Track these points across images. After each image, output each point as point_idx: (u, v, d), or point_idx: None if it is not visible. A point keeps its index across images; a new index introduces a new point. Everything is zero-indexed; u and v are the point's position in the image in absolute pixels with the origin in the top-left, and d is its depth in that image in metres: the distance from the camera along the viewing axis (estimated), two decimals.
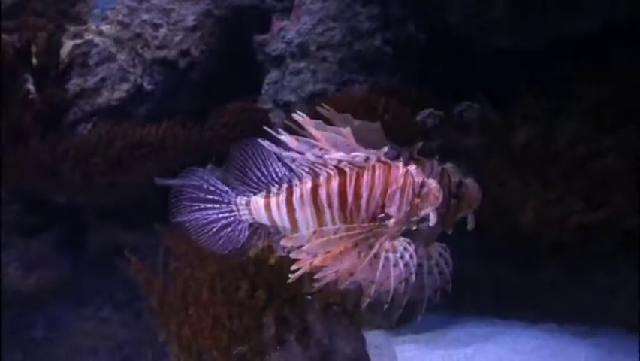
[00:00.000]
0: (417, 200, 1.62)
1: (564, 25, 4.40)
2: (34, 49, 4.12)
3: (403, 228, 1.64)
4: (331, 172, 1.62)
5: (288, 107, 4.62)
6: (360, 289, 1.61)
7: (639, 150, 3.86)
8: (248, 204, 1.74)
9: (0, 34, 4.19)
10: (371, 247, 1.58)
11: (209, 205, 1.77)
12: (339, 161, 1.58)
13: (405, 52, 4.78)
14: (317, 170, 1.62)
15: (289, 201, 1.64)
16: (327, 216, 1.61)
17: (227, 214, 1.77)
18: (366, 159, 1.59)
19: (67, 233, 4.32)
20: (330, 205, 1.61)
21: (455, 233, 4.17)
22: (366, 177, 1.59)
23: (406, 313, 3.97)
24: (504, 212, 4.06)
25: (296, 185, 1.65)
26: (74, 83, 4.51)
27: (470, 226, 1.68)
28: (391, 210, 1.61)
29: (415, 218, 1.64)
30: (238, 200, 1.76)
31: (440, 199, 1.63)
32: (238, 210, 1.76)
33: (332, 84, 4.69)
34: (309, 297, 2.74)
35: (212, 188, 1.79)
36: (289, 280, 1.61)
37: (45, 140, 4.02)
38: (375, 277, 1.57)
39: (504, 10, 4.49)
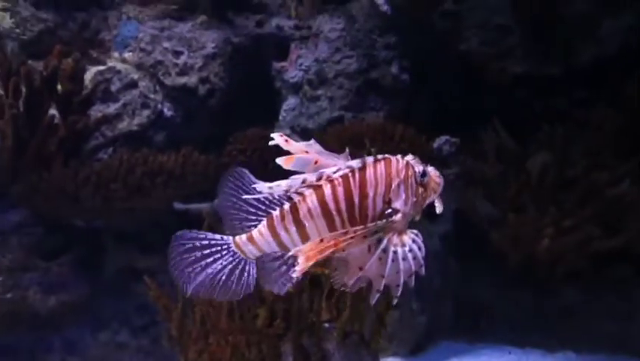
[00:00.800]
0: (420, 190, 1.60)
1: (579, 51, 4.43)
2: (59, 76, 4.19)
3: (409, 219, 1.61)
4: (334, 180, 1.57)
5: (305, 134, 4.68)
6: (370, 284, 1.59)
7: None
8: (250, 239, 1.65)
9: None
10: (380, 242, 1.56)
11: (210, 260, 1.70)
12: (338, 169, 1.55)
13: (421, 80, 4.82)
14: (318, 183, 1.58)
15: (296, 219, 1.59)
16: (337, 222, 1.58)
17: (230, 258, 1.69)
18: (363, 162, 1.57)
19: (85, 256, 4.33)
20: (338, 211, 1.58)
21: (472, 260, 4.20)
22: (368, 176, 1.57)
23: (424, 341, 3.99)
24: (520, 239, 4.06)
25: (298, 200, 1.59)
26: (97, 109, 4.58)
27: (439, 209, 1.68)
28: (398, 204, 1.58)
29: (421, 208, 1.62)
30: (237, 239, 1.67)
31: (442, 184, 1.62)
32: (241, 249, 1.68)
33: (349, 111, 4.74)
34: (327, 325, 2.76)
35: (205, 242, 1.70)
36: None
37: (67, 165, 4.08)
38: (384, 271, 1.55)
39: (519, 37, 4.53)
